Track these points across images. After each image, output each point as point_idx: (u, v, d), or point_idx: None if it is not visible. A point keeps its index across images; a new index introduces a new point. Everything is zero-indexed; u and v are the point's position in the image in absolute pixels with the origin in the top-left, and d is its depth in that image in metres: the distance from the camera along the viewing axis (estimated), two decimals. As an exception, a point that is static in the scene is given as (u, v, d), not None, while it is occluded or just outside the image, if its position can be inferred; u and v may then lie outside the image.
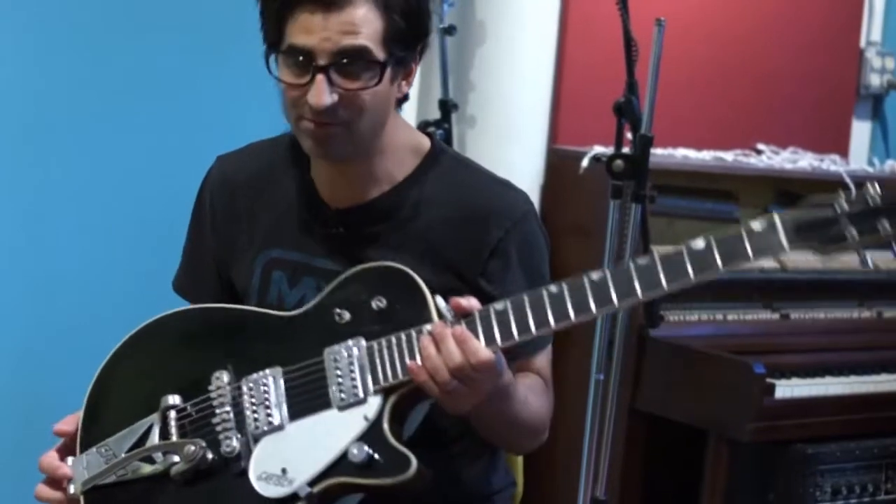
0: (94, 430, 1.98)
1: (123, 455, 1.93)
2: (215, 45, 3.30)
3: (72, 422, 2.00)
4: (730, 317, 3.50)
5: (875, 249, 1.66)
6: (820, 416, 3.29)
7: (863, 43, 4.29)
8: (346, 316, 1.87)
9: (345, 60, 1.87)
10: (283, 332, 1.93)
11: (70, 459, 1.98)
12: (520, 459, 2.30)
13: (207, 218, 2.15)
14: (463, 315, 1.79)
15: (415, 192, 2.03)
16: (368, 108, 1.92)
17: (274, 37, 1.92)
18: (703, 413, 3.25)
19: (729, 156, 3.76)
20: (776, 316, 3.56)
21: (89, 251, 3.20)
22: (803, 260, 3.59)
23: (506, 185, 2.07)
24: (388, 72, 1.91)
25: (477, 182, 2.06)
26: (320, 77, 1.87)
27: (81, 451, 1.98)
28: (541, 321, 1.75)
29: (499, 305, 1.77)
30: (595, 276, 1.73)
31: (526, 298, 1.76)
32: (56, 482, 1.97)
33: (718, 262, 1.67)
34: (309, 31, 1.87)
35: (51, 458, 1.99)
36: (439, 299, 1.82)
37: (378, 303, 1.85)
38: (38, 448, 2.01)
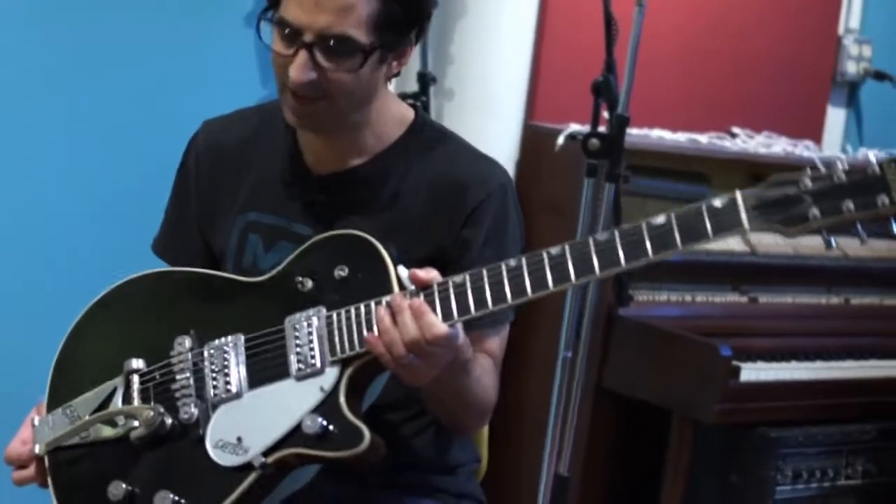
0: (62, 390, 1.99)
1: (87, 417, 1.94)
2: (196, 9, 3.28)
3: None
4: (698, 298, 3.51)
5: (841, 235, 1.62)
6: (784, 400, 3.31)
7: (841, 30, 4.29)
8: (309, 284, 1.87)
9: (330, 43, 1.88)
10: (247, 298, 1.94)
11: (36, 419, 1.99)
12: (485, 435, 2.29)
13: (192, 181, 2.15)
14: (422, 287, 1.78)
15: (396, 161, 2.03)
16: (350, 89, 1.92)
17: (272, 2, 1.92)
18: (668, 393, 3.27)
19: (703, 138, 3.77)
20: (744, 299, 3.58)
21: (67, 215, 3.18)
22: (773, 244, 3.60)
23: (486, 159, 2.08)
24: (376, 56, 1.91)
25: (458, 154, 2.06)
26: (303, 53, 1.88)
27: (48, 412, 1.99)
28: (498, 296, 1.73)
29: (458, 279, 1.76)
30: (554, 251, 1.71)
31: (485, 273, 1.75)
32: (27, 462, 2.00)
33: (678, 240, 1.64)
34: (302, 5, 1.87)
35: (14, 447, 2.01)
36: (402, 269, 1.81)
37: (340, 272, 1.86)
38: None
